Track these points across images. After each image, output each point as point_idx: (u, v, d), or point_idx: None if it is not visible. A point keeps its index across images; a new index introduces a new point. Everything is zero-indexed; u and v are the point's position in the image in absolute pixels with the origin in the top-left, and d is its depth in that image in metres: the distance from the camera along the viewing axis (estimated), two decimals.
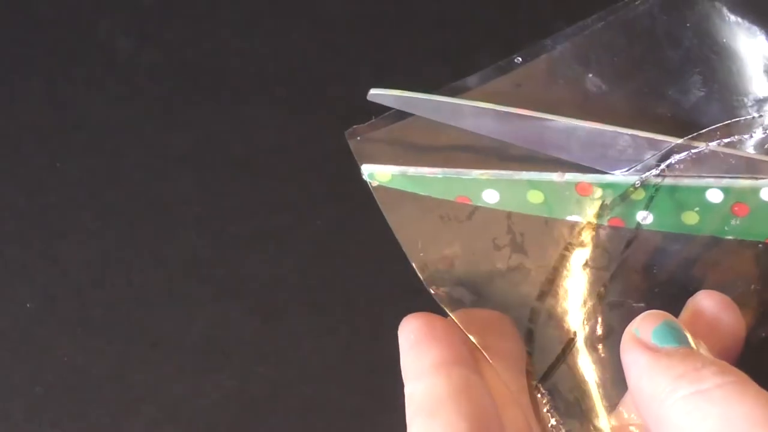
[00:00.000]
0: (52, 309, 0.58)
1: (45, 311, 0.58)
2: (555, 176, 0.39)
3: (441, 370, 0.33)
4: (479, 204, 0.39)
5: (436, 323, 0.35)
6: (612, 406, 0.36)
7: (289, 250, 0.58)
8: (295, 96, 0.62)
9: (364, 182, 0.61)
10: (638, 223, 0.38)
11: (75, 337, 0.57)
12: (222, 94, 0.62)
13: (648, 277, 0.38)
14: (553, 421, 0.36)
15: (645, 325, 0.32)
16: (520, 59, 0.40)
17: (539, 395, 0.36)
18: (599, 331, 0.37)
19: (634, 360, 0.31)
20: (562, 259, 0.38)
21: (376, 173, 0.41)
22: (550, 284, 0.38)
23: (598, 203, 0.38)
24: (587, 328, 0.37)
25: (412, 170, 0.41)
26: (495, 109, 0.39)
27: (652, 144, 0.38)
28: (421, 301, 0.56)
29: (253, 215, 0.59)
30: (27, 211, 0.60)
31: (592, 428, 0.35)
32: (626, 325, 0.35)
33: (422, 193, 0.40)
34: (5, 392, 0.56)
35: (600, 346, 0.37)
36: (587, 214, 0.38)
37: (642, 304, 0.37)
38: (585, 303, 0.38)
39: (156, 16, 0.65)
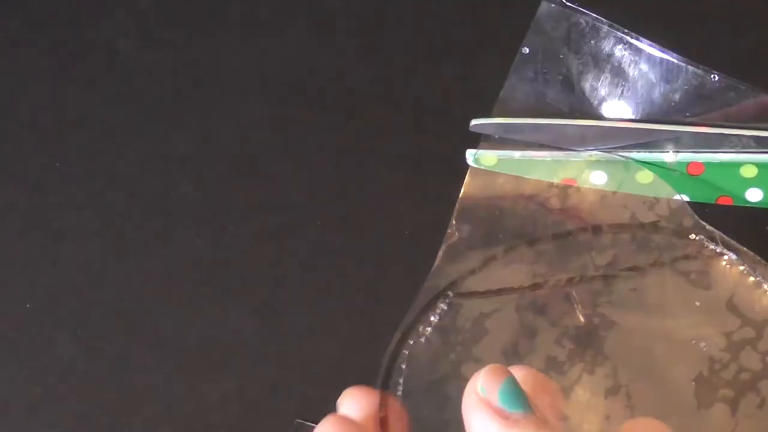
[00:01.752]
0: (52, 309, 0.58)
1: (45, 311, 0.58)
2: (667, 156, 0.39)
3: None
4: (586, 186, 0.39)
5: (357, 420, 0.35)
6: (477, 360, 0.36)
7: (289, 250, 0.58)
8: (296, 96, 0.62)
9: (364, 182, 0.61)
10: (745, 200, 0.38)
11: (75, 337, 0.57)
12: (222, 94, 0.62)
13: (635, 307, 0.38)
14: (433, 320, 0.36)
15: (490, 385, 0.32)
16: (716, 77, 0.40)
17: (440, 300, 0.36)
18: (539, 302, 0.37)
19: (483, 424, 0.31)
20: (582, 231, 0.38)
21: (481, 157, 0.41)
22: (550, 241, 0.38)
23: (708, 184, 0.38)
24: (534, 294, 0.38)
25: (518, 154, 0.40)
26: (599, 125, 0.39)
27: (761, 141, 0.38)
28: None
29: (253, 215, 0.59)
30: (27, 211, 0.60)
31: (449, 352, 0.36)
32: (555, 316, 0.36)
33: (528, 177, 0.40)
34: (5, 392, 0.56)
35: (530, 313, 0.37)
36: (697, 194, 0.38)
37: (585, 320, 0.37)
38: (559, 273, 0.38)
39: (156, 16, 0.65)
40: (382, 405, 0.34)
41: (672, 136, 0.39)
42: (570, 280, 0.38)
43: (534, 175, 0.40)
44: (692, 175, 0.39)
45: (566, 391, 0.36)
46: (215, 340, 0.56)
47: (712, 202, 0.39)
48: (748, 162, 0.39)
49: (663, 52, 0.40)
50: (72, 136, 0.62)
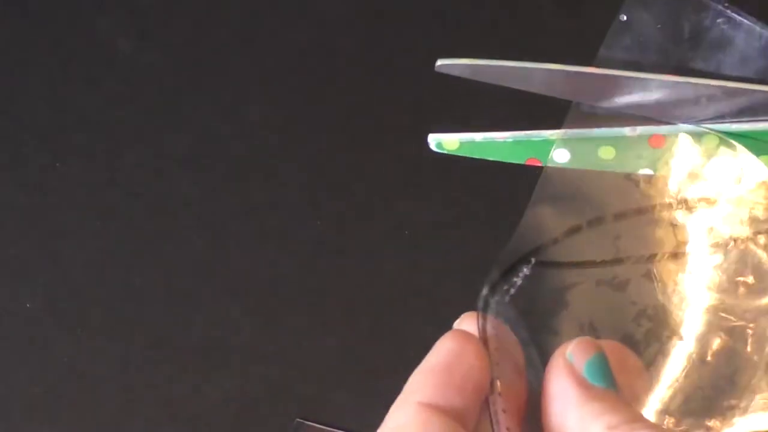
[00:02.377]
0: (52, 309, 0.58)
1: (45, 311, 0.58)
2: (627, 130, 0.39)
3: (423, 413, 0.33)
4: (550, 165, 0.39)
5: (466, 359, 0.34)
6: (555, 332, 0.36)
7: (289, 250, 0.58)
8: (295, 96, 0.62)
9: (364, 181, 0.61)
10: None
11: (75, 337, 0.57)
12: (222, 94, 0.62)
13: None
14: (516, 282, 0.36)
15: (580, 354, 0.32)
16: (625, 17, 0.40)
17: (523, 264, 0.36)
18: (619, 278, 0.37)
19: (563, 390, 0.31)
20: (668, 206, 0.38)
21: (444, 142, 0.41)
22: (635, 215, 0.38)
23: (670, 156, 0.38)
24: (615, 269, 0.37)
25: (480, 136, 0.40)
26: (565, 70, 0.39)
27: (729, 93, 0.38)
28: (421, 302, 0.57)
29: (253, 215, 0.59)
30: (27, 211, 0.60)
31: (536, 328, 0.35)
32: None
33: (492, 159, 0.40)
34: (5, 392, 0.56)
35: (610, 289, 0.37)
36: (660, 167, 0.38)
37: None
38: (641, 249, 0.38)
39: (156, 16, 0.65)
40: (483, 328, 0.34)
41: (637, 83, 0.39)
42: (652, 257, 0.38)
43: (497, 157, 0.40)
44: (654, 147, 0.39)
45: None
46: (215, 340, 0.56)
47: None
48: (709, 133, 0.39)
49: (763, 28, 0.40)
50: (72, 136, 0.62)
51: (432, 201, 0.58)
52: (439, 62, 0.40)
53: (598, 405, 0.30)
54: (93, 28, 0.65)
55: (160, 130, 0.62)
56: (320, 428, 0.54)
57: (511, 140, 0.40)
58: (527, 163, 0.40)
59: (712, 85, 0.38)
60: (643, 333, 0.37)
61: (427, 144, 0.40)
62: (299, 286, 0.57)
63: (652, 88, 0.39)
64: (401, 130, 0.61)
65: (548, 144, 0.40)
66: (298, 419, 0.54)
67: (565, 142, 0.39)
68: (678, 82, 0.39)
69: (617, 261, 0.38)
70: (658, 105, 0.39)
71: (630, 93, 0.39)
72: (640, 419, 0.30)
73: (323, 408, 0.55)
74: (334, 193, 0.59)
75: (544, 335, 0.36)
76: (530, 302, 0.37)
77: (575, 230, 0.38)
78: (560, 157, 0.39)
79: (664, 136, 0.39)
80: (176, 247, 0.59)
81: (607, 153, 0.39)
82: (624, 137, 0.39)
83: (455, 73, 0.40)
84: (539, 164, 0.39)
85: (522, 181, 0.40)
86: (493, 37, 0.62)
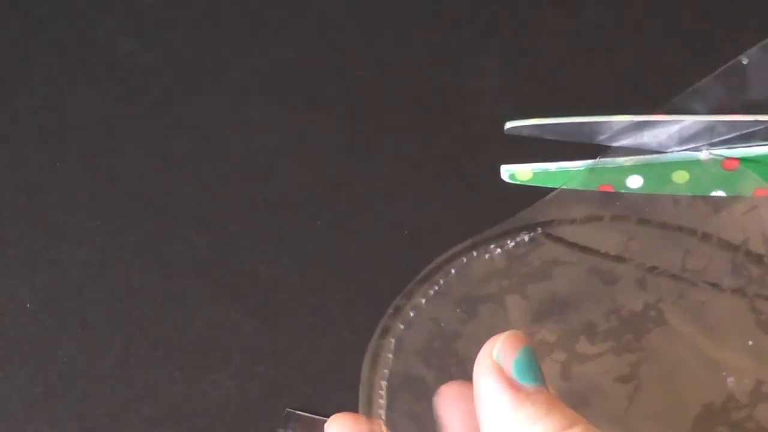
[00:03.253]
0: (52, 309, 0.58)
1: (45, 311, 0.58)
2: (701, 154, 0.39)
3: None
4: (622, 191, 0.39)
5: None
6: (525, 296, 0.36)
7: (289, 250, 0.58)
8: (295, 96, 0.62)
9: (364, 182, 0.61)
10: None
11: (75, 337, 0.57)
12: (222, 94, 0.62)
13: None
14: (508, 244, 0.36)
15: (506, 353, 0.31)
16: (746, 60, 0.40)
17: (525, 231, 0.36)
18: (612, 274, 0.38)
19: (493, 393, 0.31)
20: (692, 233, 0.39)
21: (516, 173, 0.41)
22: (658, 227, 0.38)
23: (744, 178, 0.39)
24: (613, 265, 0.38)
25: (553, 166, 0.40)
26: (632, 120, 0.39)
27: None
28: None
29: (253, 215, 0.59)
30: (27, 211, 0.60)
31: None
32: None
33: (565, 187, 0.40)
34: (5, 392, 0.56)
35: (599, 280, 0.37)
36: (733, 188, 0.39)
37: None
38: (647, 258, 0.38)
39: (156, 16, 0.65)
40: None
41: (704, 124, 0.39)
42: (652, 268, 0.38)
43: (571, 185, 0.40)
44: (727, 170, 0.39)
45: (582, 359, 0.36)
46: (215, 340, 0.56)
47: (749, 195, 0.39)
48: None
49: None
50: (72, 136, 0.62)
51: (432, 201, 0.58)
52: (508, 125, 0.40)
53: (533, 409, 0.30)
54: (93, 28, 0.65)
55: (160, 130, 0.62)
56: (310, 417, 0.54)
57: (584, 168, 0.40)
58: (600, 189, 0.40)
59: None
60: (606, 328, 0.37)
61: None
62: (299, 286, 0.57)
63: (721, 129, 0.39)
64: (402, 130, 0.61)
65: (621, 170, 0.40)
66: (288, 409, 0.54)
67: (639, 168, 0.40)
68: (747, 121, 0.39)
69: (619, 259, 0.38)
70: (728, 142, 0.40)
71: (699, 135, 0.39)
72: (579, 421, 0.29)
73: (323, 408, 0.55)
74: (334, 193, 0.59)
75: (513, 297, 0.36)
76: (515, 264, 0.37)
77: (596, 219, 0.38)
78: (633, 182, 0.40)
79: (738, 159, 0.39)
80: (176, 247, 0.59)
81: (680, 177, 0.39)
82: (697, 161, 0.39)
83: (525, 133, 0.40)
84: (611, 189, 0.40)
85: None
86: (493, 37, 0.63)
